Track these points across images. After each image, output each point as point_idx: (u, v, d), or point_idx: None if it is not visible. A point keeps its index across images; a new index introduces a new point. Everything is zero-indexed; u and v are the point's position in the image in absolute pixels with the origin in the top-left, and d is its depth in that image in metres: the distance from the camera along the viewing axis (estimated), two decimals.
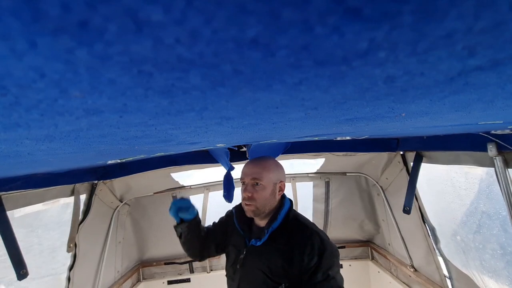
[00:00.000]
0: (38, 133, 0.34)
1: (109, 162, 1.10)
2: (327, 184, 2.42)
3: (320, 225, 2.48)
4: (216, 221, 1.46)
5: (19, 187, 1.21)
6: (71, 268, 1.73)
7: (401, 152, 1.84)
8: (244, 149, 1.44)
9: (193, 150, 1.66)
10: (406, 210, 1.66)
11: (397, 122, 0.68)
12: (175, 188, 2.35)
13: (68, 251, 1.59)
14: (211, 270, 2.60)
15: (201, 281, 2.59)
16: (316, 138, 1.29)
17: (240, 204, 1.27)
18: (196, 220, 1.34)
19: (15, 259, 1.16)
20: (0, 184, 1.12)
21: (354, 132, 1.06)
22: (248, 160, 1.26)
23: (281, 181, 1.19)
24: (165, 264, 2.56)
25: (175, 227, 1.38)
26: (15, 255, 1.16)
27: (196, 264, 2.60)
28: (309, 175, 2.44)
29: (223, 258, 1.47)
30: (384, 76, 0.25)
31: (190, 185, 2.37)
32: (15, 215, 1.24)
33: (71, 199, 1.60)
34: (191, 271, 2.59)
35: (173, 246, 2.55)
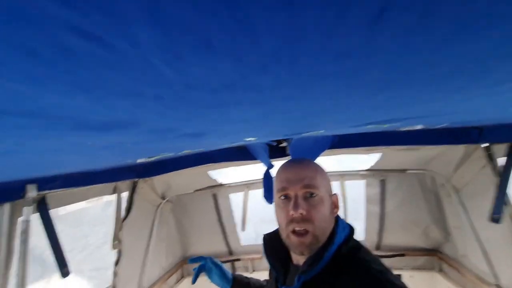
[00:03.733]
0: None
1: (139, 161, 1.02)
2: (382, 183, 2.10)
3: (374, 230, 2.18)
4: None
5: (60, 186, 1.22)
6: (116, 263, 1.76)
7: (485, 145, 1.46)
8: (284, 144, 1.26)
9: (230, 145, 1.54)
10: (495, 219, 1.30)
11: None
12: (215, 185, 2.28)
13: (113, 248, 1.61)
14: (254, 270, 2.49)
15: None
16: (373, 127, 1.05)
17: (274, 231, 0.88)
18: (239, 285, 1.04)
19: (58, 257, 1.17)
20: (42, 183, 1.13)
21: (429, 117, 0.81)
22: (287, 161, 0.82)
23: (334, 194, 0.80)
24: None
25: None
26: (58, 253, 1.17)
27: (238, 263, 2.52)
28: (361, 172, 2.15)
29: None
30: None
31: (229, 183, 2.28)
32: (60, 213, 1.25)
33: (114, 197, 1.61)
34: (234, 269, 2.52)
35: (215, 244, 2.50)
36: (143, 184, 1.85)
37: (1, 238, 1.02)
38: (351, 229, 0.78)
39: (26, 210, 1.09)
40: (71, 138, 0.48)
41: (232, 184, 2.28)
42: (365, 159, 2.01)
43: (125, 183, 1.71)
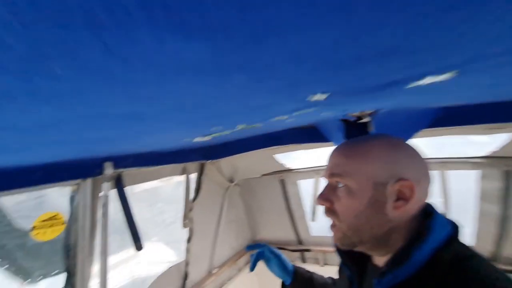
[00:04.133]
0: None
1: (196, 140, 0.95)
2: (507, 175, 1.55)
3: (490, 235, 1.66)
4: None
5: (133, 165, 1.28)
6: (189, 240, 1.84)
7: None
8: (366, 119, 0.98)
9: (297, 125, 1.35)
10: None
11: None
12: (282, 171, 2.13)
13: (183, 226, 1.67)
14: (326, 264, 2.29)
15: None
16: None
17: None
18: (300, 279, 0.93)
19: (132, 231, 1.24)
20: (117, 161, 1.20)
21: None
22: None
23: (402, 180, 0.56)
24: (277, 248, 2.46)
25: None
26: (132, 228, 1.24)
27: (308, 254, 2.35)
28: (474, 160, 1.64)
29: None
30: None
31: (298, 169, 2.09)
32: (135, 190, 1.32)
33: (183, 178, 1.66)
34: (303, 260, 2.37)
35: (283, 231, 2.39)
36: (211, 167, 1.86)
37: (86, 210, 1.12)
38: (454, 228, 0.57)
39: (105, 185, 1.17)
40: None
41: (301, 170, 2.09)
42: (480, 142, 1.50)
43: (193, 165, 1.74)
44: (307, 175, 2.10)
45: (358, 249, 0.61)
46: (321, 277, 0.97)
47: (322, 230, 2.31)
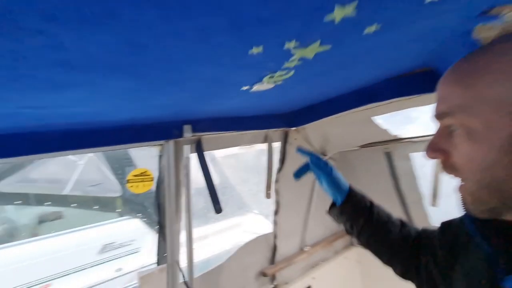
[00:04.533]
0: None
1: (258, 87, 0.80)
2: None
3: None
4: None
5: (212, 129, 1.28)
6: (276, 213, 1.77)
7: None
8: None
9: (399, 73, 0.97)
10: None
11: None
12: (388, 141, 1.70)
13: (266, 197, 1.60)
14: None
15: None
16: None
17: None
18: (354, 203, 0.79)
19: (212, 194, 1.25)
20: (196, 125, 1.22)
21: None
22: None
23: None
24: None
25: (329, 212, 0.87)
26: (212, 191, 1.25)
27: None
28: None
29: None
30: None
31: (411, 137, 1.60)
32: (217, 155, 1.32)
33: (265, 146, 1.56)
34: None
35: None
36: (296, 135, 1.68)
37: (170, 170, 1.20)
38: None
39: (186, 148, 1.21)
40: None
41: (415, 139, 1.59)
42: None
43: (276, 133, 1.61)
44: (424, 145, 1.59)
45: (506, 217, 0.41)
46: (388, 214, 0.80)
47: (446, 219, 1.75)
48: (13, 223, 3.37)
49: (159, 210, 1.22)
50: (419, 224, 1.82)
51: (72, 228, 3.37)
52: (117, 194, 3.13)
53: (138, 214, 3.27)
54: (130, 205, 3.15)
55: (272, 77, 0.75)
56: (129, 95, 0.67)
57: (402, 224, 0.78)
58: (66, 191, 2.98)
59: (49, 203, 2.87)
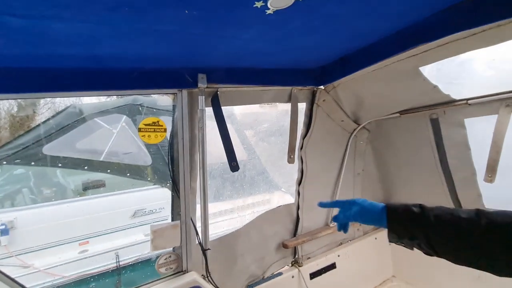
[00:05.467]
0: None
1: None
2: None
3: None
4: None
5: (227, 80, 1.16)
6: (299, 182, 1.64)
7: None
8: None
9: None
10: None
11: None
12: (437, 104, 1.43)
13: (288, 162, 1.47)
14: None
15: None
16: None
17: None
18: (399, 219, 0.71)
19: (228, 152, 1.16)
20: (210, 73, 1.12)
21: None
22: None
23: None
24: None
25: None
26: (229, 148, 1.16)
27: None
28: None
29: None
30: None
31: (466, 98, 1.33)
32: (235, 111, 1.22)
33: (289, 106, 1.41)
34: None
35: (434, 195, 1.73)
36: (325, 96, 1.50)
37: (184, 121, 1.12)
38: None
39: (200, 99, 1.12)
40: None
41: (472, 101, 1.32)
42: None
43: (303, 92, 1.45)
44: (483, 108, 1.31)
45: None
46: (452, 211, 0.64)
47: (507, 200, 1.46)
48: (62, 188, 3.75)
49: (172, 165, 1.16)
50: (467, 202, 1.57)
51: (108, 193, 3.63)
52: (148, 164, 3.24)
53: (167, 184, 3.39)
54: (160, 175, 3.25)
55: None
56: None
57: (479, 214, 0.60)
58: (102, 157, 3.15)
59: (86, 167, 3.07)
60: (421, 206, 0.69)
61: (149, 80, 1.01)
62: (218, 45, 0.89)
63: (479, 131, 1.40)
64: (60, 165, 2.99)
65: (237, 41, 0.87)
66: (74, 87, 0.91)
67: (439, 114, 1.47)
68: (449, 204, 1.66)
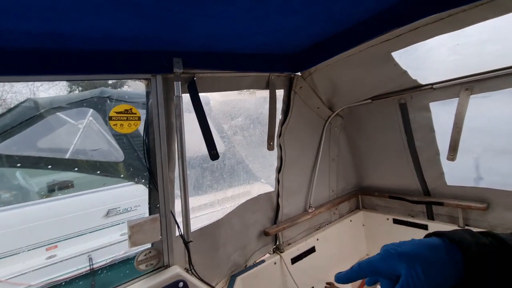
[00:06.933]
0: None
1: None
2: None
3: None
4: None
5: (204, 65, 1.13)
6: (279, 170, 1.66)
7: None
8: None
9: None
10: None
11: None
12: (405, 90, 1.52)
13: (268, 149, 1.48)
14: (467, 225, 1.63)
15: None
16: None
17: None
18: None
19: (207, 140, 1.13)
20: (185, 58, 1.07)
21: None
22: None
23: None
24: (390, 197, 1.95)
25: None
26: (208, 136, 1.13)
27: (439, 210, 1.74)
28: None
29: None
30: None
31: (432, 83, 1.42)
32: (212, 100, 1.19)
33: (267, 94, 1.41)
34: (430, 217, 1.79)
35: (402, 176, 1.84)
36: (302, 83, 1.52)
37: (159, 109, 1.07)
38: None
39: (176, 85, 1.07)
40: None
41: (436, 85, 1.42)
42: None
43: (280, 79, 1.45)
44: (446, 92, 1.41)
45: None
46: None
47: (465, 178, 1.61)
48: (24, 191, 3.43)
49: (148, 155, 1.11)
50: (431, 181, 1.69)
51: (77, 192, 3.40)
52: (120, 160, 3.07)
53: (142, 180, 3.26)
54: (133, 171, 3.10)
55: None
56: None
57: None
58: (68, 154, 2.94)
59: (50, 166, 2.84)
60: (498, 238, 0.40)
61: (119, 64, 0.94)
62: (195, 26, 0.85)
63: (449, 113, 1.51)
64: (19, 165, 2.74)
65: (216, 21, 0.84)
66: (27, 70, 0.78)
67: (407, 99, 1.56)
68: (415, 180, 1.79)
